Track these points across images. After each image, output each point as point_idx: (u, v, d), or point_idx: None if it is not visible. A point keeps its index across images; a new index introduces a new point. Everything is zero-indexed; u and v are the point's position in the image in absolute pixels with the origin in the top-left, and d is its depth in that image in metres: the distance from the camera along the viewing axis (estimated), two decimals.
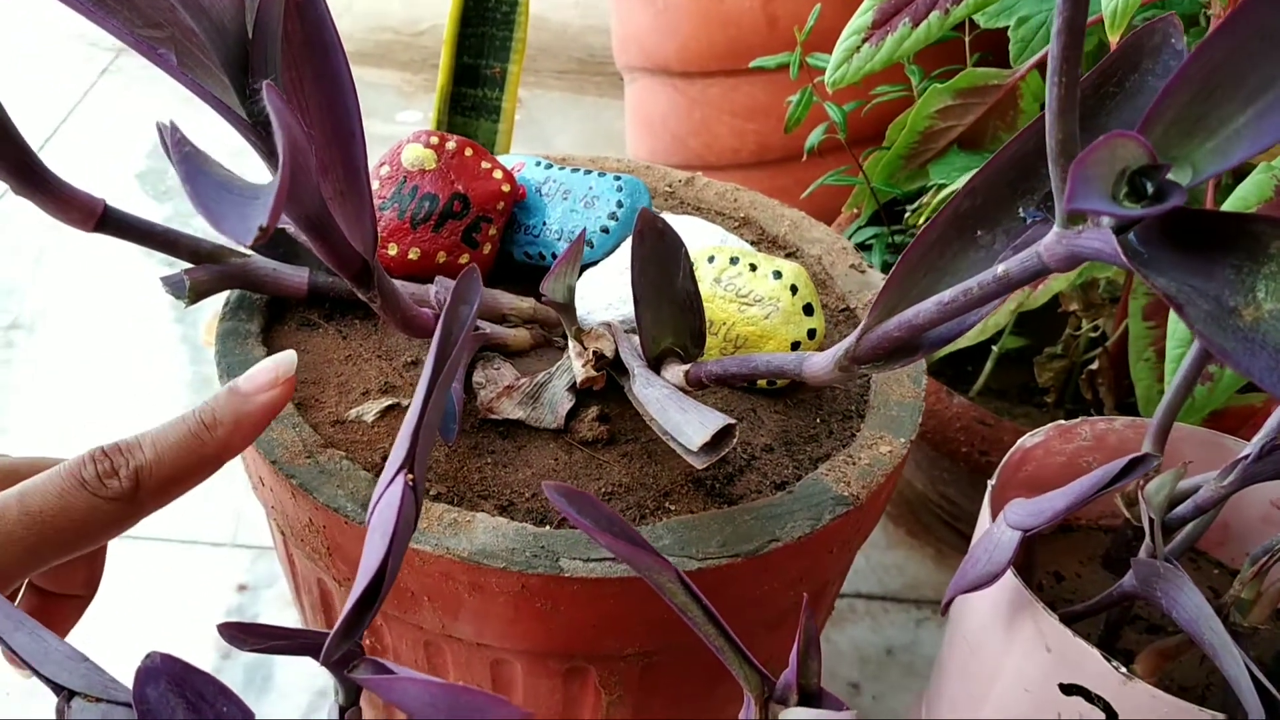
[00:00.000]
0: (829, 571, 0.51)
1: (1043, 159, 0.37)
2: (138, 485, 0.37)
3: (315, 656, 0.31)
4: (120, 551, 0.79)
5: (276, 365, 0.39)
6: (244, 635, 0.30)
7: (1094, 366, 0.71)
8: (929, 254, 0.38)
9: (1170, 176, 0.26)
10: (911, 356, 0.38)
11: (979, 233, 0.38)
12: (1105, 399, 0.72)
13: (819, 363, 0.40)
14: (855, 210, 0.82)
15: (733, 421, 0.41)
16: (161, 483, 0.37)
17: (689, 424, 0.42)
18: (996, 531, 0.42)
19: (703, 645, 0.49)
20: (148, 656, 0.30)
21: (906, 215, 0.75)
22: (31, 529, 0.35)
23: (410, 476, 0.28)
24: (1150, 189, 0.25)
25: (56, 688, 0.32)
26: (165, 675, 0.29)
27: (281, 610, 0.76)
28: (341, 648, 0.27)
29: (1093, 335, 0.71)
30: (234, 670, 0.72)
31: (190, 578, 0.78)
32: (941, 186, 0.69)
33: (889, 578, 0.82)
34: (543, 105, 1.45)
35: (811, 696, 0.31)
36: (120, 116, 1.35)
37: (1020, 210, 0.37)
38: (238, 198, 0.29)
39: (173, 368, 0.97)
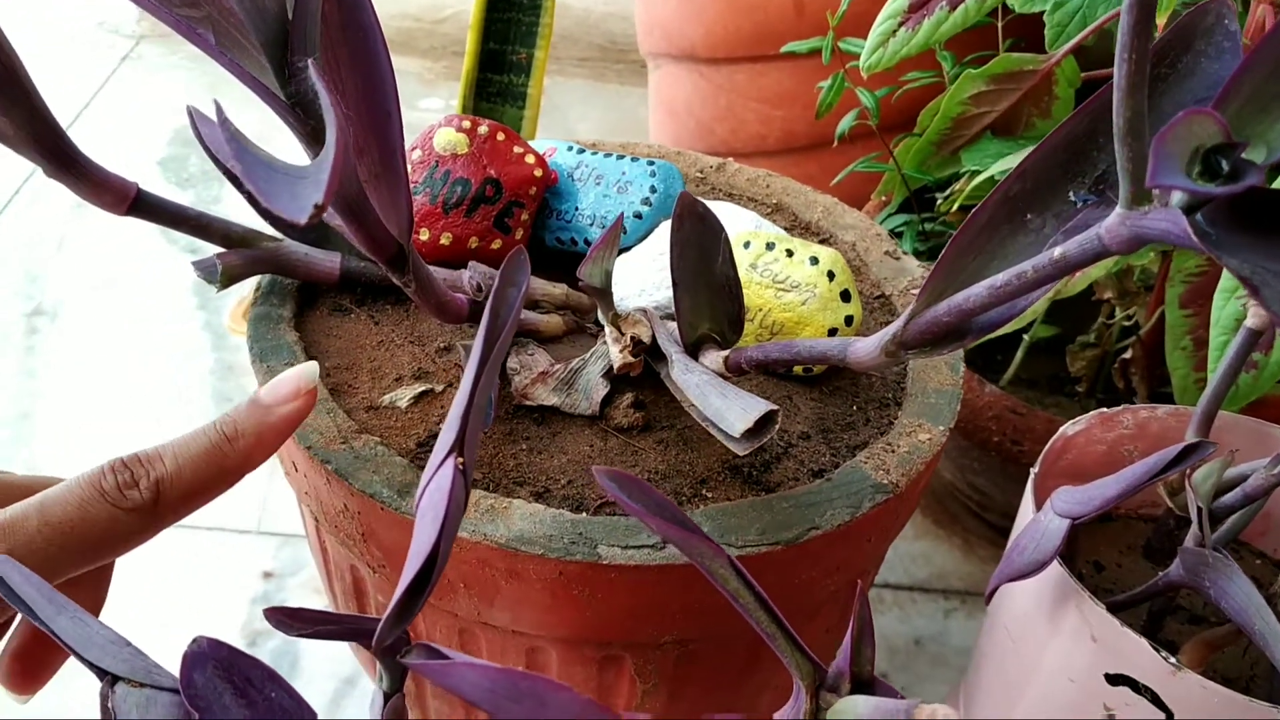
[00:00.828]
0: (866, 560, 0.50)
1: (1094, 142, 0.37)
2: (158, 497, 0.36)
3: (363, 642, 0.30)
4: None
5: (299, 377, 0.39)
6: (292, 621, 0.29)
7: (1127, 355, 0.70)
8: (978, 237, 0.37)
9: (1244, 155, 0.25)
10: (960, 341, 0.38)
11: (1028, 216, 0.37)
12: (1138, 388, 0.71)
13: (864, 348, 0.39)
14: (884, 198, 0.81)
15: (775, 407, 0.41)
16: (182, 495, 0.37)
17: (730, 410, 0.42)
18: (1044, 519, 0.41)
19: (739, 634, 0.49)
20: (194, 641, 0.29)
21: (938, 203, 0.74)
22: (52, 539, 0.35)
23: (460, 460, 0.28)
24: (1225, 168, 0.24)
25: (100, 672, 0.31)
26: (212, 660, 0.29)
27: (308, 597, 0.76)
28: (394, 633, 0.27)
29: (1126, 324, 0.70)
30: (260, 657, 0.72)
31: (216, 565, 0.78)
32: (974, 173, 0.69)
33: (916, 568, 0.82)
34: (564, 92, 1.44)
35: (865, 684, 0.30)
36: (141, 104, 1.35)
37: (1071, 194, 0.37)
38: (287, 177, 0.29)
39: (196, 354, 0.97)
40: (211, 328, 1.00)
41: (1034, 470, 0.47)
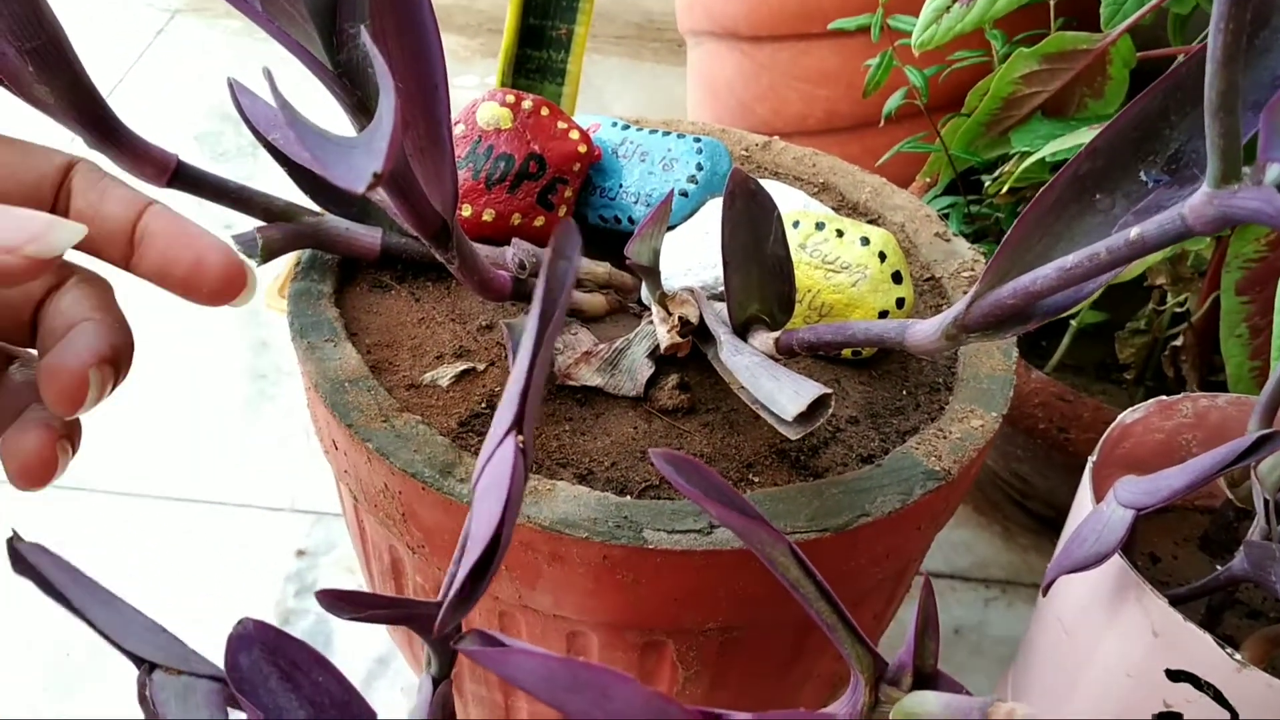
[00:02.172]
0: (914, 549, 0.49)
1: (1166, 120, 0.35)
2: None
3: (415, 627, 0.29)
4: (175, 514, 0.79)
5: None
6: (345, 604, 0.29)
7: (1178, 343, 0.69)
8: (1045, 218, 0.36)
9: None
10: (1024, 325, 0.37)
11: (1098, 196, 0.36)
12: (1188, 376, 0.70)
13: (924, 330, 0.38)
14: (929, 179, 0.80)
15: (828, 390, 0.39)
16: None
17: (782, 393, 0.41)
18: (1106, 510, 0.40)
19: (785, 622, 0.48)
20: (240, 623, 0.28)
21: (986, 185, 0.73)
22: None
23: (520, 438, 0.27)
24: None
25: (137, 660, 0.31)
26: (259, 643, 0.28)
27: (341, 577, 0.76)
28: (455, 619, 0.26)
29: (1177, 310, 0.69)
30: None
31: (247, 543, 0.78)
32: (1024, 155, 0.67)
33: (956, 556, 0.80)
34: (600, 71, 1.43)
35: (928, 679, 0.29)
36: (177, 78, 1.34)
37: (1142, 173, 0.36)
38: (340, 147, 0.28)
39: (231, 330, 0.97)
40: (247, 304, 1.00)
41: (1091, 459, 0.46)
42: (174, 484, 0.82)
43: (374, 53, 0.27)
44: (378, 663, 0.71)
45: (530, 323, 0.28)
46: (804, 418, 0.40)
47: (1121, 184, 0.36)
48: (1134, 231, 0.30)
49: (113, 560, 0.75)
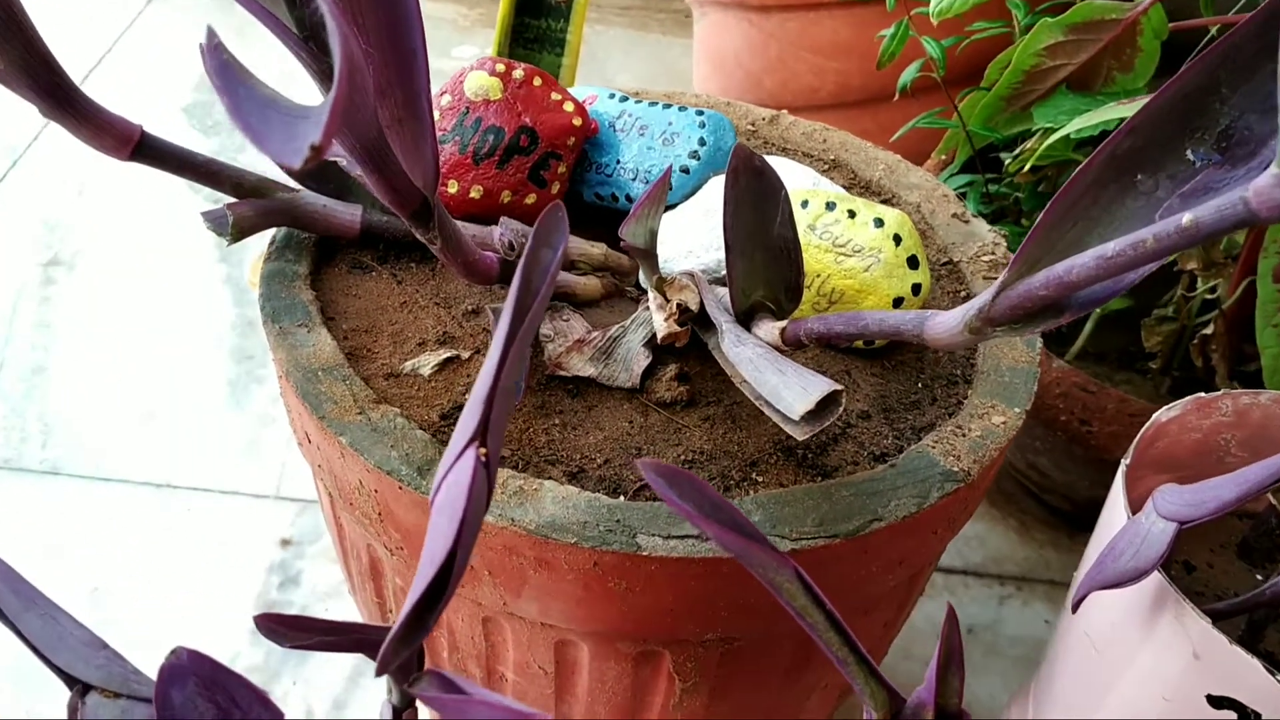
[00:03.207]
0: (929, 554, 0.46)
1: (1216, 94, 0.32)
2: None
3: (369, 653, 0.26)
4: (156, 500, 0.76)
5: None
6: (284, 629, 0.25)
7: (1207, 331, 0.65)
8: (1080, 200, 0.33)
9: None
10: (1056, 319, 0.33)
11: (1139, 177, 0.33)
12: (1218, 366, 0.66)
13: (944, 323, 0.35)
14: (944, 157, 0.76)
15: (839, 387, 0.36)
16: None
17: (788, 389, 0.37)
18: (1145, 522, 0.37)
19: (789, 633, 0.45)
20: (173, 652, 0.25)
21: (1006, 163, 0.69)
22: None
23: (483, 450, 0.23)
24: None
25: (70, 680, 0.28)
26: (193, 675, 0.25)
27: (327, 568, 0.73)
28: (400, 654, 0.23)
29: (1207, 297, 0.65)
30: None
31: (231, 531, 0.75)
32: (1047, 131, 0.63)
33: (969, 551, 0.77)
34: (603, 42, 1.39)
35: (951, 718, 0.26)
36: (166, 48, 1.31)
37: (1189, 152, 0.32)
38: (286, 116, 0.24)
39: (216, 309, 0.94)
40: (233, 281, 0.97)
41: (1125, 461, 0.42)
42: (153, 468, 0.78)
43: (325, 8, 0.24)
44: (365, 660, 0.68)
45: (502, 318, 0.25)
46: (812, 416, 0.36)
47: (1165, 164, 0.32)
48: (1186, 217, 0.27)
49: (85, 548, 0.72)
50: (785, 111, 0.62)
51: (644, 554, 0.38)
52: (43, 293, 0.93)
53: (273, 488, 0.78)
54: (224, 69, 0.25)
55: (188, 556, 0.73)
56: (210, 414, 0.84)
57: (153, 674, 0.32)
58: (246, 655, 0.66)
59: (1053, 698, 0.47)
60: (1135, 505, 0.40)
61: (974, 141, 0.70)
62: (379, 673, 0.23)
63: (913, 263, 0.46)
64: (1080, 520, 0.77)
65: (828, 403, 0.36)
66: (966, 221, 0.55)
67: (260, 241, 0.73)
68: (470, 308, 0.48)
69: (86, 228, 1.02)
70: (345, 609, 0.70)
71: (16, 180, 1.07)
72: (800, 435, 0.37)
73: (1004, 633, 0.72)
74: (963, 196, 0.73)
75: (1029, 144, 0.65)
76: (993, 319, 0.33)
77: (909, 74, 0.69)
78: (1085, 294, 0.33)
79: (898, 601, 0.49)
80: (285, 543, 0.74)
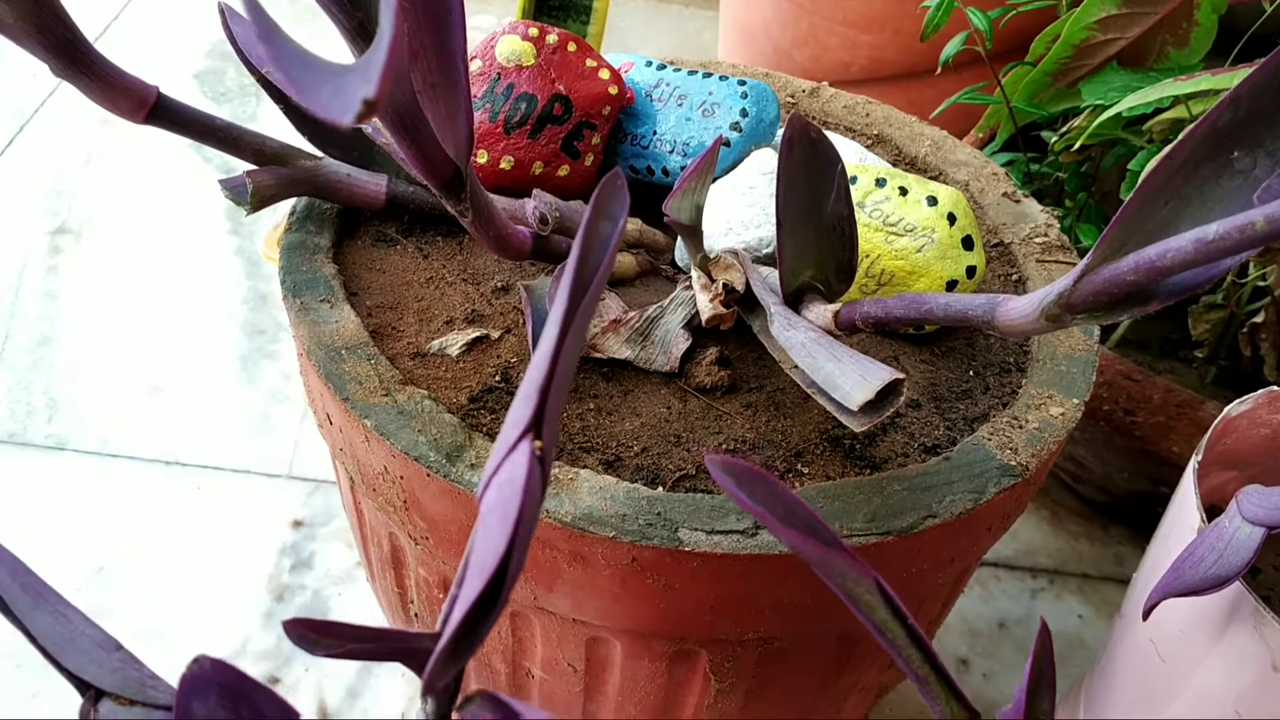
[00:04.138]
0: (981, 551, 0.44)
1: None
2: None
3: (410, 664, 0.24)
4: (165, 477, 0.74)
5: None
6: (315, 635, 0.23)
7: (1258, 319, 0.63)
8: (1172, 179, 0.30)
9: None
10: (1142, 306, 0.31)
11: (1235, 154, 0.30)
12: (1266, 356, 0.64)
13: (1019, 309, 0.32)
14: (983, 134, 0.73)
15: (901, 376, 0.34)
16: None
17: (845, 377, 0.35)
18: (1229, 526, 0.34)
19: (831, 632, 0.42)
20: (195, 661, 0.23)
21: (1051, 141, 0.66)
22: None
23: (538, 444, 0.21)
24: None
25: (82, 686, 0.26)
26: (216, 687, 0.23)
27: (341, 551, 0.70)
28: (449, 671, 0.21)
29: (1259, 284, 0.63)
30: (288, 615, 0.67)
31: (241, 511, 0.73)
32: (1097, 109, 0.61)
33: (1000, 543, 0.75)
34: (624, 14, 1.36)
35: None
36: (177, 12, 1.28)
37: None
38: (328, 72, 0.22)
39: (227, 282, 0.91)
40: (244, 253, 0.94)
41: (1196, 458, 0.40)
42: (161, 445, 0.76)
43: None
44: None
45: (560, 296, 0.22)
46: (870, 407, 0.34)
47: (1266, 140, 0.30)
48: None
49: (91, 527, 0.70)
50: (826, 84, 0.59)
51: (685, 549, 0.36)
52: (49, 262, 0.91)
53: (284, 467, 0.76)
54: (265, 27, 0.23)
55: (197, 536, 0.70)
56: (221, 390, 0.81)
57: (163, 667, 0.30)
58: (258, 639, 0.64)
59: (1109, 702, 0.45)
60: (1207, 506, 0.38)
61: (1017, 119, 0.68)
62: (425, 693, 0.21)
63: (968, 244, 0.43)
64: (1114, 512, 0.75)
65: (887, 392, 0.34)
66: (1018, 201, 0.53)
67: (271, 212, 0.70)
68: (500, 284, 0.46)
69: (94, 196, 0.99)
70: (360, 594, 0.68)
71: (23, 146, 1.05)
72: (857, 427, 0.35)
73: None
74: None
75: (1077, 122, 0.63)
76: (1073, 305, 0.31)
77: (952, 47, 0.66)
78: (1177, 280, 0.30)
79: (944, 597, 0.47)
80: (297, 524, 0.72)
